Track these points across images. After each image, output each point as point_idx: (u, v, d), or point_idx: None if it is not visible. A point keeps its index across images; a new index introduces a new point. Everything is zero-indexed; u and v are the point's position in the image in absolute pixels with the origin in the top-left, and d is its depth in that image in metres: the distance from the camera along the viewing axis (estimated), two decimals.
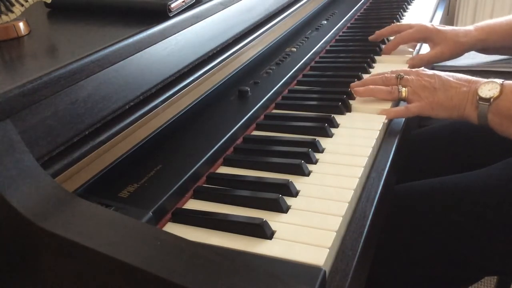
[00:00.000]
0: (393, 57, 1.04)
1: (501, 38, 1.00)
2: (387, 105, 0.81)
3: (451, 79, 0.79)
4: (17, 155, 0.46)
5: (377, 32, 1.10)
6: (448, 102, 0.77)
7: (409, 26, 1.04)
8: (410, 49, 1.07)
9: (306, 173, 0.64)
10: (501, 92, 0.73)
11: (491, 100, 0.74)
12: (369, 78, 0.87)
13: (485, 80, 0.76)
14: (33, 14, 0.73)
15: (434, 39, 1.00)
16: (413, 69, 0.84)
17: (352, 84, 0.86)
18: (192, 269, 0.40)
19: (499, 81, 0.75)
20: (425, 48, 1.13)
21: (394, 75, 0.84)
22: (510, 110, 0.73)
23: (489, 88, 0.75)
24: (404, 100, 0.82)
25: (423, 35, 1.02)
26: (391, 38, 1.08)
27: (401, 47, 1.07)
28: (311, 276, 0.47)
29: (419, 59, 1.01)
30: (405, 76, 0.82)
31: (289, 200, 0.59)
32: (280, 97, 0.86)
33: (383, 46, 1.08)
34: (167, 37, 0.69)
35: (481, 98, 0.75)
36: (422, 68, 0.87)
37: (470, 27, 1.02)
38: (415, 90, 0.80)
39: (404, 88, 0.81)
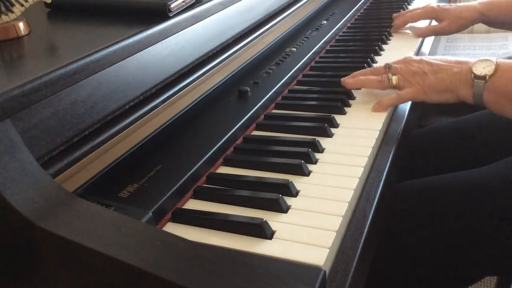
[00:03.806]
0: (394, 58, 1.04)
1: (502, 13, 1.07)
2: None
3: (440, 62, 0.80)
4: (17, 155, 0.46)
5: (394, 23, 1.18)
6: (440, 84, 0.78)
7: (418, 8, 1.17)
8: (410, 51, 1.07)
9: (306, 173, 0.64)
10: (496, 69, 0.74)
11: (487, 77, 0.74)
12: (359, 71, 0.88)
13: (477, 59, 0.77)
14: (33, 14, 0.73)
15: (440, 16, 1.12)
16: (400, 59, 0.85)
17: (342, 79, 0.87)
18: (192, 269, 0.40)
19: (493, 59, 0.75)
20: (425, 46, 1.15)
21: (382, 65, 0.84)
22: (506, 87, 0.73)
23: (483, 65, 0.75)
24: (396, 88, 0.82)
25: (431, 14, 1.14)
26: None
27: (402, 48, 1.08)
28: (311, 276, 0.47)
29: (427, 28, 1.14)
30: (393, 65, 0.83)
31: (289, 200, 0.59)
32: (280, 97, 0.86)
33: (383, 46, 1.09)
34: (167, 37, 0.69)
35: (476, 76, 0.75)
36: (409, 55, 0.87)
37: (475, 2, 1.10)
38: (405, 76, 0.81)
39: (394, 76, 0.81)
